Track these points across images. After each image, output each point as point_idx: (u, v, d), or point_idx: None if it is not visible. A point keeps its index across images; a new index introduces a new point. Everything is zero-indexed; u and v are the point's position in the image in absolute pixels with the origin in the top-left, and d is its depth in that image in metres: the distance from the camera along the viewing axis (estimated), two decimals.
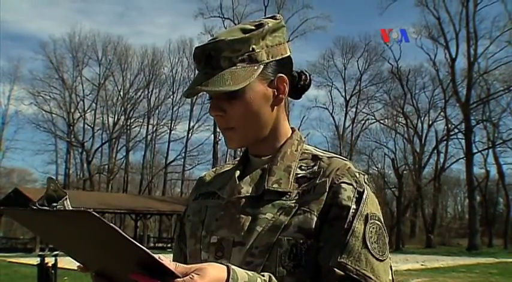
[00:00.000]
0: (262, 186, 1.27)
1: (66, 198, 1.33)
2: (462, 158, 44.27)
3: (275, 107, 1.33)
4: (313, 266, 1.20)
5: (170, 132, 51.69)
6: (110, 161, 50.99)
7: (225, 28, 46.30)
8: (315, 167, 1.30)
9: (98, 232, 0.93)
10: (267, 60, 1.29)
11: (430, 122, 47.54)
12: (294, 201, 1.24)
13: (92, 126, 51.15)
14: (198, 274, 0.99)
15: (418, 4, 43.44)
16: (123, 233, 0.91)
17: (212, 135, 48.31)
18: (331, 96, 50.52)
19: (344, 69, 50.09)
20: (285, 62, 1.34)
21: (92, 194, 39.72)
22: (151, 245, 35.33)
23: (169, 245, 34.37)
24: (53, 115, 50.01)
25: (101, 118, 51.30)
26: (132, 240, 0.91)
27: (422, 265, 22.00)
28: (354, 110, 49.48)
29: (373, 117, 48.99)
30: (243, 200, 1.28)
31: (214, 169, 1.52)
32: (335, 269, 1.16)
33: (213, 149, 48.39)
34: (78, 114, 50.73)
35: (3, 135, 47.90)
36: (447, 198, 60.02)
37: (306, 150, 1.36)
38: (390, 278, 1.24)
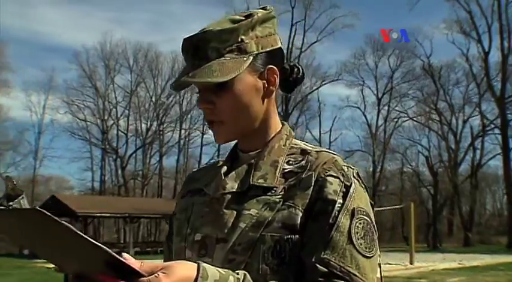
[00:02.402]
0: (248, 181, 1.23)
1: (22, 197, 1.31)
2: (499, 153, 43.64)
3: (265, 100, 1.28)
4: (297, 263, 1.15)
5: (202, 136, 51.75)
6: (143, 166, 51.44)
7: None
8: (302, 162, 1.25)
9: (51, 230, 0.89)
10: (257, 51, 1.25)
11: (465, 118, 46.80)
12: (279, 196, 1.19)
13: (126, 132, 51.68)
14: (164, 273, 0.96)
15: None
16: (77, 231, 0.88)
17: None
18: (363, 95, 50.18)
19: (375, 68, 49.64)
20: (275, 54, 1.30)
21: (127, 200, 40.16)
22: None
23: None
24: (87, 123, 50.77)
25: (134, 124, 51.83)
26: (89, 238, 0.89)
27: (460, 264, 21.60)
28: (386, 108, 49.08)
29: (406, 115, 48.48)
30: (228, 196, 1.24)
31: (205, 165, 1.50)
32: (318, 265, 1.12)
33: None
34: (112, 121, 51.40)
35: (39, 144, 48.59)
36: (485, 195, 58.87)
37: (295, 144, 1.31)
38: (378, 276, 1.20)
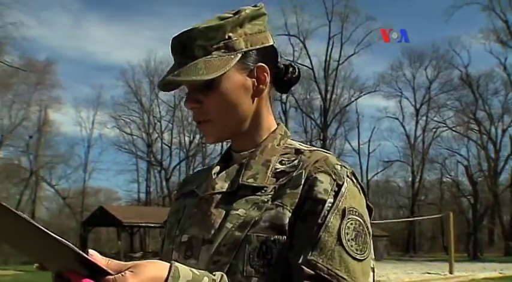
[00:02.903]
0: (237, 181, 1.18)
1: None
2: None
3: (255, 99, 1.23)
4: (285, 266, 1.07)
5: None
6: None
7: (292, 45, 46.78)
8: (295, 161, 1.18)
9: (13, 225, 0.85)
10: (246, 49, 1.19)
11: (504, 127, 45.67)
12: (269, 196, 1.13)
13: (170, 145, 52.08)
14: (131, 271, 0.90)
15: (484, 9, 42.13)
16: (40, 227, 0.83)
17: None
18: (401, 106, 49.59)
19: (413, 79, 49.04)
20: (267, 52, 1.24)
21: None
22: None
23: None
24: (133, 137, 51.49)
25: (178, 137, 52.32)
26: (52, 234, 0.84)
27: (500, 273, 21.01)
28: (424, 118, 48.38)
29: (444, 125, 47.65)
30: (217, 196, 1.18)
31: (201, 168, 1.44)
32: (304, 267, 1.03)
33: None
34: (156, 134, 52.01)
35: (89, 158, 49.47)
36: None
37: (290, 144, 1.25)
38: (370, 280, 1.10)
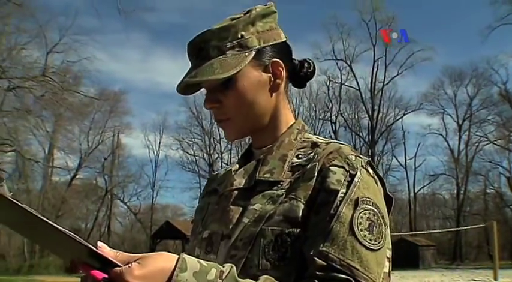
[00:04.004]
0: (254, 176, 1.13)
1: (1, 185, 1.21)
2: None
3: (273, 94, 1.18)
4: (300, 258, 1.01)
5: None
6: None
7: (339, 69, 47.04)
8: (311, 154, 1.13)
9: (23, 219, 0.82)
10: (259, 46, 1.15)
11: None
12: (284, 189, 1.08)
13: (229, 164, 52.80)
14: (138, 263, 0.86)
15: None
16: (51, 223, 0.81)
17: None
18: (444, 123, 49.27)
19: (454, 96, 48.72)
20: (280, 48, 1.20)
21: None
22: None
23: None
24: (196, 157, 52.48)
25: (236, 157, 52.50)
26: (62, 229, 0.82)
27: None
28: (467, 133, 47.92)
29: (486, 139, 47.13)
30: (235, 192, 1.14)
31: (226, 167, 1.33)
32: (316, 258, 0.97)
33: None
34: (217, 154, 52.72)
35: (156, 177, 50.93)
36: None
37: (307, 138, 1.20)
38: (386, 270, 1.04)
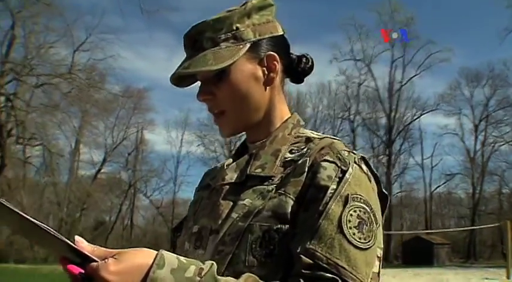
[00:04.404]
0: (246, 171, 1.09)
1: None
2: None
3: (267, 88, 1.14)
4: (288, 255, 0.96)
5: None
6: None
7: (358, 69, 46.74)
8: (304, 149, 1.09)
9: (15, 220, 0.83)
10: (254, 39, 1.11)
11: None
12: (274, 185, 1.04)
13: None
14: (115, 258, 0.84)
15: None
16: (31, 219, 0.81)
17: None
18: (461, 123, 48.87)
19: (471, 97, 48.29)
20: (277, 41, 1.16)
21: None
22: None
23: None
24: (217, 153, 52.74)
25: None
26: (41, 226, 0.81)
27: None
28: (483, 133, 47.50)
29: (502, 140, 46.60)
30: (227, 187, 1.10)
31: (222, 162, 1.26)
32: (302, 256, 0.93)
33: None
34: None
35: (178, 172, 51.28)
36: None
37: (302, 133, 1.16)
38: (375, 270, 1.00)
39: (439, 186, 49.97)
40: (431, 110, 48.04)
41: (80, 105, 32.29)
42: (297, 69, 1.23)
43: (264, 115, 1.16)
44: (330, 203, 0.96)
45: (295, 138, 1.14)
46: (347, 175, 1.00)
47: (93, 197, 41.04)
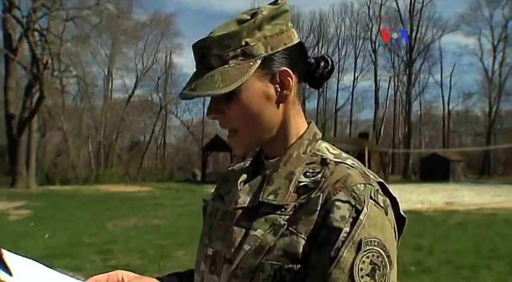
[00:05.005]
0: (258, 197, 1.01)
1: None
2: None
3: (281, 105, 1.04)
4: None
5: (338, 82, 52.28)
6: None
7: None
8: (318, 175, 1.00)
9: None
10: (265, 54, 1.00)
11: None
12: (287, 216, 0.96)
13: None
14: None
15: None
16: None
17: (373, 83, 48.57)
18: (480, 43, 48.15)
19: (491, 18, 46.94)
20: (292, 52, 1.03)
21: None
22: None
23: None
24: None
25: None
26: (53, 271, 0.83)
27: None
28: (501, 54, 46.55)
29: None
30: (240, 211, 1.03)
31: (242, 163, 1.21)
32: None
33: (375, 95, 48.76)
34: None
35: None
36: None
37: (318, 151, 1.06)
38: None
39: (457, 105, 49.85)
40: (452, 31, 47.00)
41: (110, 35, 32.43)
42: (315, 75, 1.11)
43: (278, 132, 1.05)
44: (342, 250, 0.89)
45: (310, 156, 1.04)
46: (361, 216, 0.91)
47: (127, 119, 42.23)
